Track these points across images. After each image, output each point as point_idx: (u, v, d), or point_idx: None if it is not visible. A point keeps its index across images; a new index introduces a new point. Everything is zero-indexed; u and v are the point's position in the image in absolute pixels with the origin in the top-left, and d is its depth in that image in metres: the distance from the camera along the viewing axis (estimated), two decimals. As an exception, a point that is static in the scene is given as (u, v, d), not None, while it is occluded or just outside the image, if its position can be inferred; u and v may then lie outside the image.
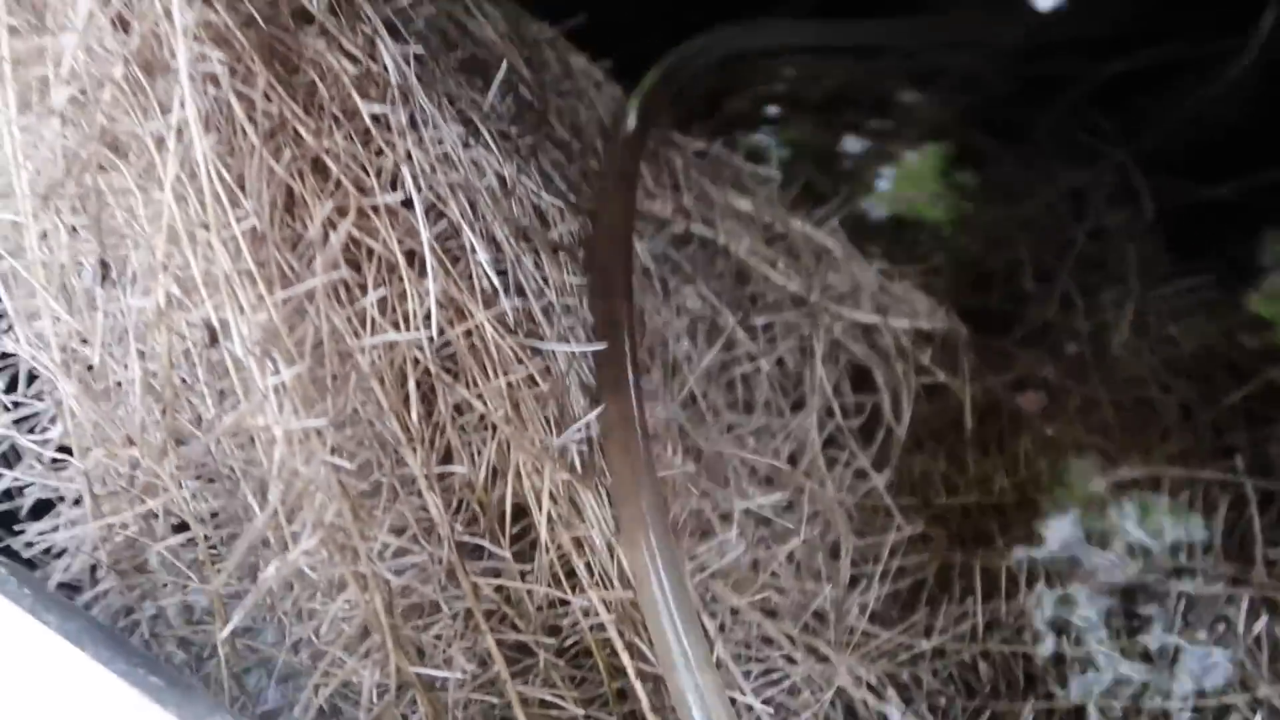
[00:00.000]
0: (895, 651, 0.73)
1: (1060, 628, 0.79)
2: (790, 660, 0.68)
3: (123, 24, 0.50)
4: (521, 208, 0.59)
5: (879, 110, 1.29)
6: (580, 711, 0.52)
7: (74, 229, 0.51)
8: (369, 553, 0.49)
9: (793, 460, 0.80)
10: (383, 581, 0.49)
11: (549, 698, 0.53)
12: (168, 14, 0.48)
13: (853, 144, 1.24)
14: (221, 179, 0.49)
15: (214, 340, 0.49)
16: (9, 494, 0.57)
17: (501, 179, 0.59)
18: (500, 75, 0.62)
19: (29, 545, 0.55)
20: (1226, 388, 0.93)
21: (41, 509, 0.58)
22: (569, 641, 0.56)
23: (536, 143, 0.65)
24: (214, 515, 0.54)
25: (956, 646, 0.76)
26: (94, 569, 0.54)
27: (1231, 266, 1.04)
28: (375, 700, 0.50)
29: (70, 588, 0.54)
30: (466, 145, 0.57)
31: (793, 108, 1.28)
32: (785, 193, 0.97)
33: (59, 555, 0.55)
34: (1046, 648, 0.78)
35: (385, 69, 0.55)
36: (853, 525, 0.79)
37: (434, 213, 0.55)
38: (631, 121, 0.80)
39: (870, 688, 0.70)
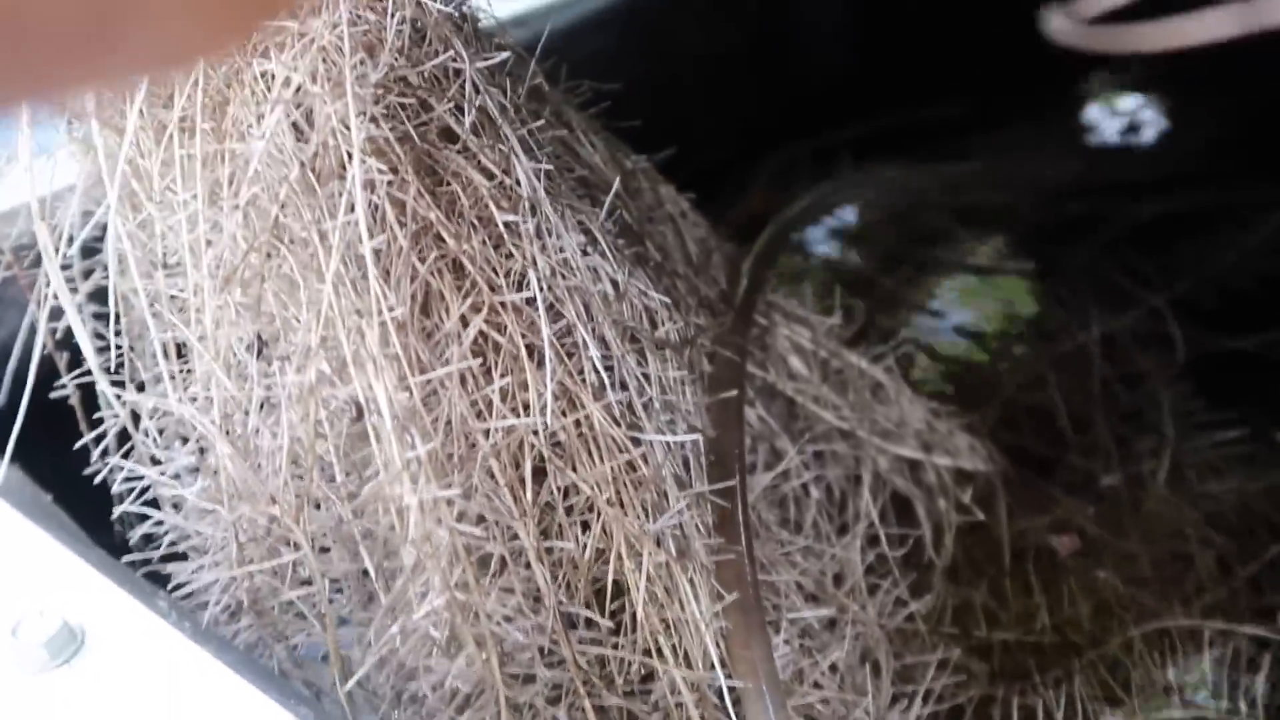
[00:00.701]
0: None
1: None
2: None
3: (299, 133, 0.57)
4: (632, 310, 0.65)
5: (926, 244, 1.36)
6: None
7: (238, 309, 0.58)
8: (487, 615, 0.54)
9: (837, 581, 0.84)
10: (497, 642, 0.54)
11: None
12: (344, 127, 0.55)
13: (900, 280, 1.31)
14: (375, 275, 0.55)
15: (360, 415, 0.55)
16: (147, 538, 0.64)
17: (614, 283, 0.65)
18: (615, 190, 0.69)
19: (178, 586, 0.60)
20: (1266, 544, 0.96)
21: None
22: (653, 716, 0.60)
23: (636, 256, 0.72)
24: (327, 575, 0.59)
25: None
26: (232, 610, 0.59)
27: (1265, 418, 1.07)
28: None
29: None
30: (585, 253, 0.64)
31: (844, 240, 1.35)
32: (845, 328, 1.02)
33: (189, 595, 0.61)
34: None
35: (518, 183, 0.62)
36: (893, 648, 0.82)
37: (553, 312, 0.61)
38: (743, 289, 0.87)
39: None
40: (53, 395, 0.66)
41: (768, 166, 1.43)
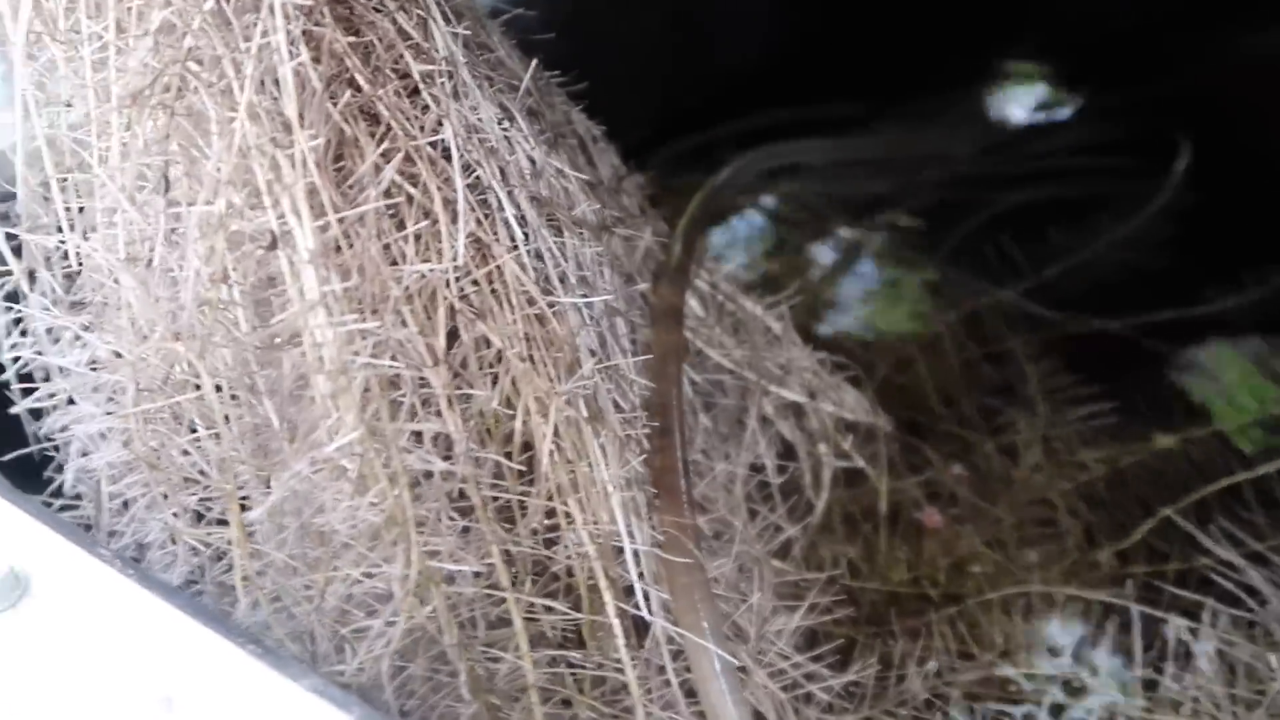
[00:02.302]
0: (795, 685, 0.76)
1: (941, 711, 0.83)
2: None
3: (215, -32, 0.56)
4: (550, 188, 0.66)
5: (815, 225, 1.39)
6: (576, 617, 0.56)
7: (146, 143, 0.57)
8: (400, 451, 0.53)
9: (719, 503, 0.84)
10: (409, 480, 0.53)
11: (542, 605, 0.56)
12: (262, -42, 0.55)
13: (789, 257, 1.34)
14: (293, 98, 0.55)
15: (274, 245, 0.54)
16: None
17: (531, 160, 0.65)
18: (530, 74, 0.69)
19: (56, 434, 0.58)
20: (1135, 518, 0.99)
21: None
22: (556, 568, 0.60)
23: (550, 144, 0.72)
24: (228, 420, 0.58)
25: (846, 705, 0.79)
26: (129, 464, 0.58)
27: (1132, 395, 1.10)
28: (397, 593, 0.53)
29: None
30: (501, 123, 0.64)
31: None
32: (747, 275, 1.03)
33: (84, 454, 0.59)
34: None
35: (435, 46, 0.62)
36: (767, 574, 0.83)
37: (469, 172, 0.61)
38: (677, 253, 0.88)
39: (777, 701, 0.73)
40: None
41: (661, 155, 1.44)
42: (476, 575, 0.55)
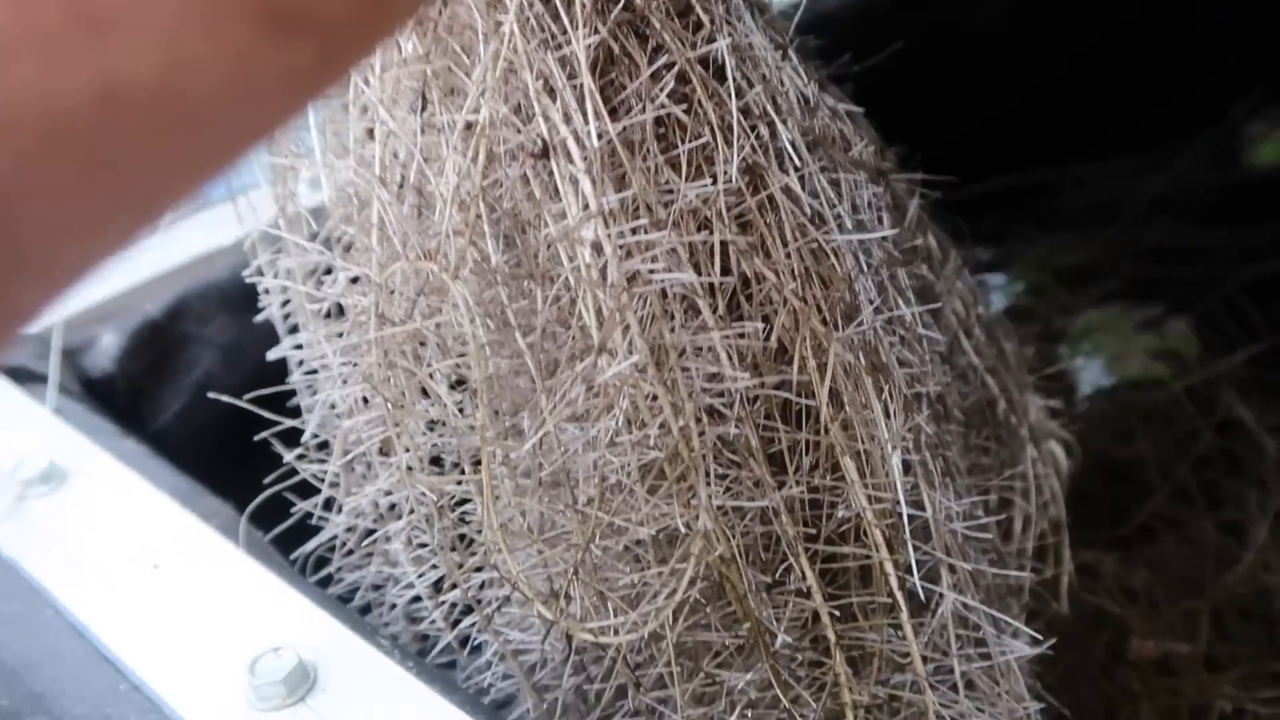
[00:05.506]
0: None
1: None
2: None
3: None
4: (823, 126, 0.60)
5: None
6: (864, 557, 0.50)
7: (405, 60, 0.53)
8: (685, 378, 0.48)
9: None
10: (694, 411, 0.48)
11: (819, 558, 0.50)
12: None
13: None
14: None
15: (545, 154, 0.50)
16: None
17: (804, 97, 0.60)
18: (799, 15, 0.64)
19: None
20: None
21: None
22: (828, 529, 0.53)
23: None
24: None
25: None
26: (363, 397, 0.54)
27: None
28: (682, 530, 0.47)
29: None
30: (776, 51, 0.59)
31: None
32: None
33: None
34: None
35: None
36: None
37: (740, 97, 0.56)
38: None
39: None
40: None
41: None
42: (751, 521, 0.49)
